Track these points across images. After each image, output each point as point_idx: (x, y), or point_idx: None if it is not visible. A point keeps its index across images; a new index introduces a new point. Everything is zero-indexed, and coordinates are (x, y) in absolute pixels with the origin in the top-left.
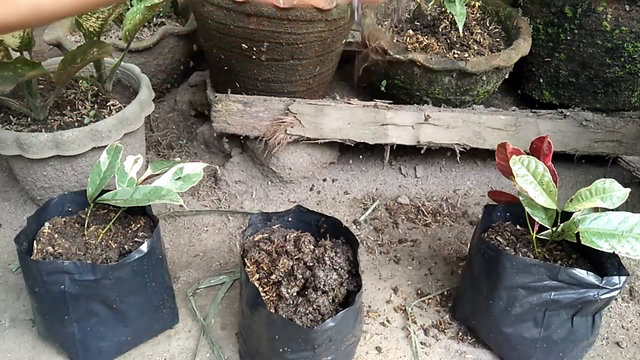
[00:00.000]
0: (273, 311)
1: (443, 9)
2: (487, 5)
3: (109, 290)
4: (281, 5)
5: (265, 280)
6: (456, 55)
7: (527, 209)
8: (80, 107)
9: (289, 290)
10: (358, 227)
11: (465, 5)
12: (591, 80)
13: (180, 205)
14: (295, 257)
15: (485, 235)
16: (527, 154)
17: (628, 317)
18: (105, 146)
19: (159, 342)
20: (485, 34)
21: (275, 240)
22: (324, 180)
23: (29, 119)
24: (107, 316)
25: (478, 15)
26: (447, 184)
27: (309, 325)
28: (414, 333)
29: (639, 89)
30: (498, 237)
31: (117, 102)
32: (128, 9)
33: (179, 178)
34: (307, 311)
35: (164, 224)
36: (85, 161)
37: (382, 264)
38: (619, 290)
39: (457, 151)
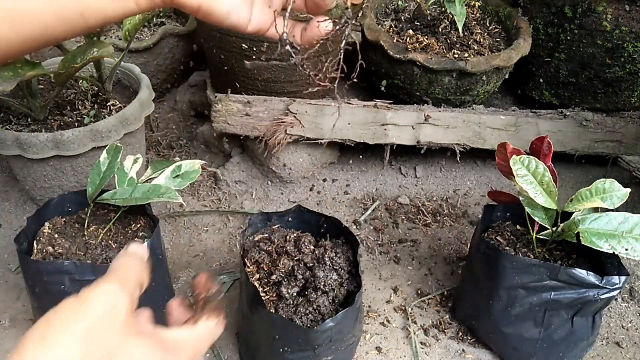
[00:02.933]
0: (273, 311)
1: (443, 9)
2: (487, 5)
3: None
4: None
5: (266, 280)
6: (456, 55)
7: (527, 209)
8: (80, 107)
9: (289, 291)
10: (358, 227)
11: (465, 5)
12: (591, 80)
13: (180, 205)
14: (296, 258)
15: (485, 235)
16: (527, 154)
17: (628, 317)
18: (105, 146)
19: None
20: (485, 34)
21: (276, 241)
22: (324, 180)
23: (29, 119)
24: None
25: (478, 15)
26: (447, 184)
27: (309, 325)
28: (414, 333)
29: (639, 89)
30: (498, 237)
31: (117, 102)
32: None
33: (177, 175)
34: (307, 311)
35: (164, 224)
36: (85, 161)
37: (382, 264)
38: (619, 290)
39: (457, 151)
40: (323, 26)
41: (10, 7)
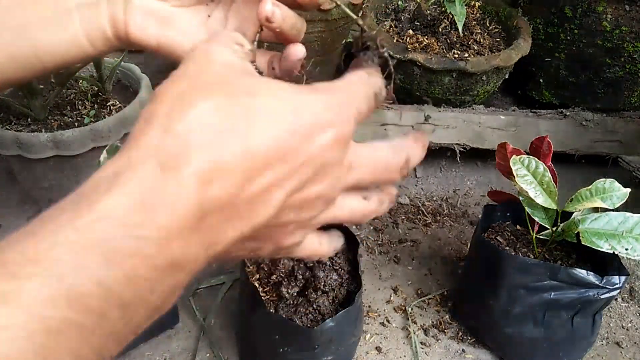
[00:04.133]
0: (273, 311)
1: (443, 9)
2: (487, 5)
3: None
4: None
5: (266, 280)
6: (456, 55)
7: (527, 209)
8: (80, 107)
9: (289, 291)
10: (358, 227)
11: (465, 5)
12: (591, 80)
13: None
14: (295, 258)
15: (485, 235)
16: (527, 154)
17: (628, 317)
18: (105, 146)
19: (159, 342)
20: (485, 34)
21: None
22: None
23: (29, 119)
24: None
25: (478, 15)
26: (447, 184)
27: (309, 325)
28: (414, 333)
29: (639, 89)
30: (498, 237)
31: (117, 102)
32: None
33: None
34: (307, 311)
35: None
36: (85, 161)
37: (382, 264)
38: (619, 290)
39: (457, 151)
40: (298, 51)
41: None
